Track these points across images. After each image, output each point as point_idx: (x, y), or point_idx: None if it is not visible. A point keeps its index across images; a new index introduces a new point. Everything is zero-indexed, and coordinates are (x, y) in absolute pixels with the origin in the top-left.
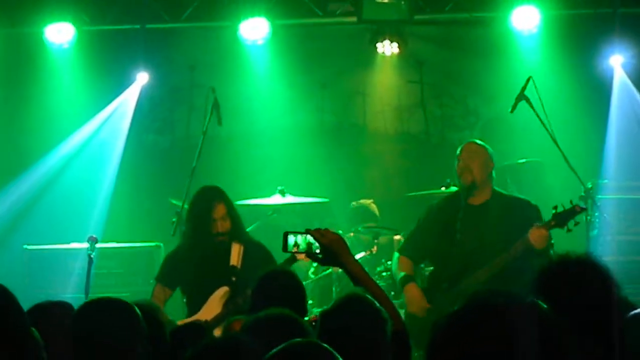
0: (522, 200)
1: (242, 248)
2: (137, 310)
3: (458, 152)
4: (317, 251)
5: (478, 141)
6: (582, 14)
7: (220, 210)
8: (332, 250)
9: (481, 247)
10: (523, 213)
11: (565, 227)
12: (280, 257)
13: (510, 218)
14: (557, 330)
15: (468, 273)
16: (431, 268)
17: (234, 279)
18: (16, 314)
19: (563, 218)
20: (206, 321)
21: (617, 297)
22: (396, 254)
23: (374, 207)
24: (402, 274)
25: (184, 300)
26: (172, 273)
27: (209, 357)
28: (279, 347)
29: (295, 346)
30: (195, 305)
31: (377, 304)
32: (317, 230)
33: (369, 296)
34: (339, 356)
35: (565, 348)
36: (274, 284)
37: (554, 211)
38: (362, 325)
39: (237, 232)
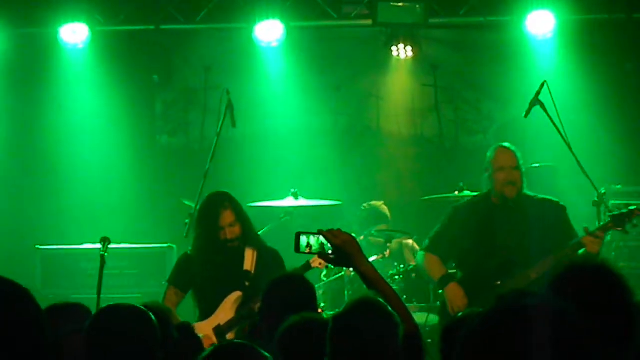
0: (551, 200)
1: (255, 253)
2: (153, 318)
3: (493, 158)
4: (330, 252)
5: (510, 147)
6: (597, 19)
7: (227, 217)
8: (344, 251)
9: (519, 247)
10: (555, 213)
11: (624, 230)
12: (292, 259)
13: (544, 219)
14: (586, 335)
15: (511, 273)
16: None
17: (247, 283)
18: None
19: (621, 220)
20: (219, 325)
21: (633, 303)
22: (421, 253)
23: (385, 208)
24: (441, 273)
25: (196, 304)
26: (184, 276)
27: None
28: (208, 350)
29: (225, 347)
30: (207, 309)
31: (389, 308)
32: (330, 231)
33: (381, 300)
34: (269, 356)
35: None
36: (284, 289)
37: (609, 214)
38: (374, 329)
39: (248, 236)
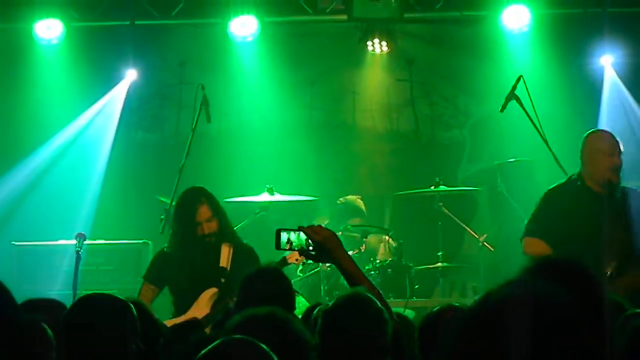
0: (635, 190)
1: (231, 250)
2: (132, 307)
3: (598, 141)
4: (310, 248)
5: (612, 133)
6: (572, 13)
7: (204, 212)
8: (325, 247)
9: (616, 234)
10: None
11: None
12: (270, 254)
13: (632, 206)
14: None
15: (623, 266)
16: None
17: (223, 280)
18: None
19: None
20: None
21: (604, 297)
22: (525, 239)
23: (360, 202)
24: None
25: (172, 299)
26: (160, 272)
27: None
28: (212, 345)
29: (228, 344)
30: (182, 305)
31: (380, 304)
32: (310, 227)
33: (371, 296)
34: (273, 355)
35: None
36: (260, 282)
37: None
38: (364, 325)
39: (224, 232)
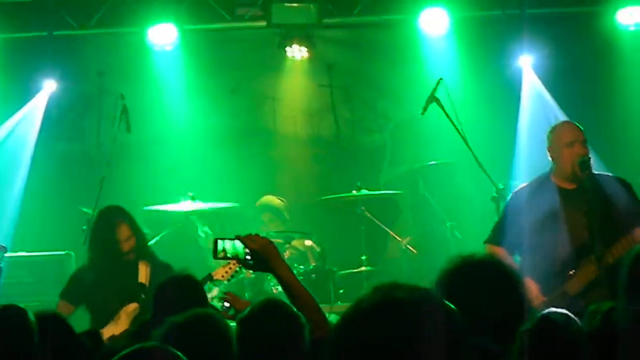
0: (618, 178)
1: (149, 267)
2: (30, 316)
3: (559, 133)
4: (248, 257)
5: (576, 123)
6: (490, 15)
7: (124, 231)
8: (262, 256)
9: (595, 232)
10: (624, 191)
11: None
12: (193, 264)
13: (616, 198)
14: (462, 331)
15: (585, 260)
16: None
17: (143, 296)
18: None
19: None
20: (113, 336)
21: (521, 299)
22: (486, 245)
23: (276, 201)
24: None
25: (90, 317)
26: (77, 290)
27: None
28: (127, 350)
29: (142, 350)
30: (100, 320)
31: (294, 309)
32: (248, 236)
33: (285, 301)
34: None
35: (467, 350)
36: (172, 289)
37: None
38: (279, 330)
39: (142, 249)
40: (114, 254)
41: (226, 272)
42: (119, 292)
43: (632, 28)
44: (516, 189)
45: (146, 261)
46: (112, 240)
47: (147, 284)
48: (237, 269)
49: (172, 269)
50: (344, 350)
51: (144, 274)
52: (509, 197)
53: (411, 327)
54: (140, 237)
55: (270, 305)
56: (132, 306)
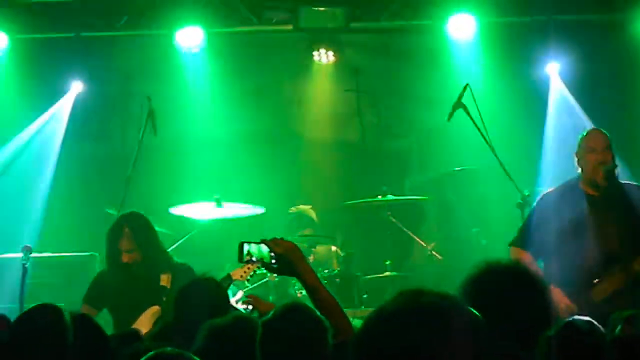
0: (634, 184)
1: (169, 276)
2: (66, 317)
3: (584, 139)
4: (273, 261)
5: (604, 131)
6: (518, 21)
7: (125, 243)
8: (287, 259)
9: (619, 240)
10: None
11: None
12: (216, 267)
13: (637, 207)
14: (486, 340)
15: (611, 269)
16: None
17: (165, 298)
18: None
19: None
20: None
21: (546, 306)
22: (511, 248)
23: (312, 212)
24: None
25: (112, 321)
26: (99, 294)
27: None
28: (147, 355)
29: (164, 354)
30: (123, 324)
31: (318, 313)
32: (273, 239)
33: (309, 305)
34: None
35: (491, 357)
36: (195, 293)
37: None
38: (302, 334)
39: (155, 261)
40: (119, 262)
41: (245, 271)
42: (140, 294)
43: None
44: (544, 192)
45: (166, 272)
46: (115, 248)
47: (169, 287)
48: (257, 268)
49: (192, 271)
50: (367, 354)
51: (165, 278)
52: (536, 200)
53: (435, 333)
54: (149, 250)
55: (294, 308)
56: (154, 309)
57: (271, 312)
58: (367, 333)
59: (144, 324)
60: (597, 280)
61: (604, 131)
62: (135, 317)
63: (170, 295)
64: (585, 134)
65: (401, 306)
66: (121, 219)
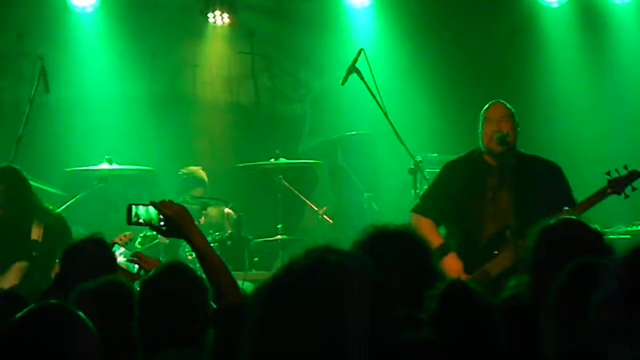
0: (548, 160)
1: (41, 227)
2: None
3: (484, 110)
4: (162, 223)
5: (505, 102)
6: None
7: None
8: (176, 222)
9: (518, 213)
10: (553, 174)
11: (623, 194)
12: (109, 227)
13: (543, 180)
14: (391, 296)
15: (509, 241)
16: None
17: (34, 253)
18: None
19: (620, 184)
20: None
21: (430, 267)
22: (412, 214)
23: (202, 173)
24: (438, 242)
25: None
26: None
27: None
28: (27, 309)
29: (44, 308)
30: None
31: (197, 272)
32: (162, 202)
33: (189, 264)
34: (88, 321)
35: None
36: (84, 252)
37: (607, 177)
38: (181, 292)
39: (21, 213)
40: None
41: (125, 235)
42: (9, 247)
43: (554, 5)
44: (450, 161)
45: (38, 222)
46: None
47: (40, 240)
48: (138, 233)
49: (68, 231)
50: (274, 308)
51: (37, 231)
52: (441, 168)
53: (343, 286)
54: (16, 202)
55: (172, 267)
56: (22, 263)
57: (151, 272)
58: (275, 288)
59: (11, 278)
60: (496, 252)
61: (505, 102)
62: (1, 270)
63: (43, 250)
64: (486, 106)
65: (310, 262)
66: None
